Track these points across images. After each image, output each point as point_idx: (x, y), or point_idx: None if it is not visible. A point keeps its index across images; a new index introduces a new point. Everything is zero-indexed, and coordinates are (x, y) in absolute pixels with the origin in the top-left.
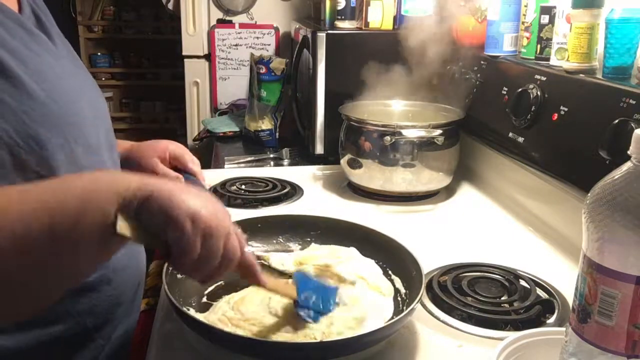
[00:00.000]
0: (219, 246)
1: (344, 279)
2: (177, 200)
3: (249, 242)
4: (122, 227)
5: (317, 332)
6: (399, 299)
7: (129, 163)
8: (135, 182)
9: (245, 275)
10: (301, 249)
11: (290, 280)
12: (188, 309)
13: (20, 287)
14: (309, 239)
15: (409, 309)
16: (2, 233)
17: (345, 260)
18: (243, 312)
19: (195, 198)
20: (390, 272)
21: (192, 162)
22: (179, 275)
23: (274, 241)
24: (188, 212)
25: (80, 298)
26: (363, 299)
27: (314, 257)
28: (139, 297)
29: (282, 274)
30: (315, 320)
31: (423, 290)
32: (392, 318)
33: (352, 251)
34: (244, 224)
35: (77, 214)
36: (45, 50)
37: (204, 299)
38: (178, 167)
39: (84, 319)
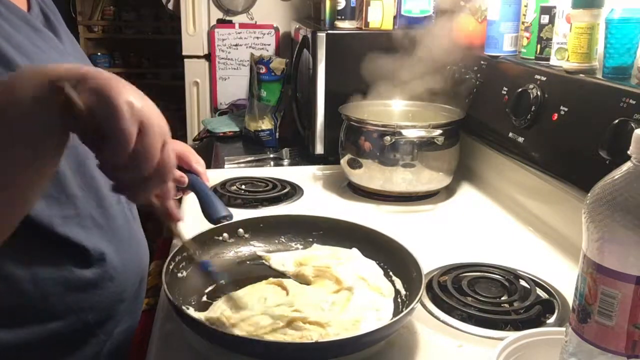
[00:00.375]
0: (157, 145)
1: (341, 283)
2: (117, 85)
3: (251, 242)
4: (69, 88)
5: (314, 333)
6: (399, 300)
7: None
8: (68, 65)
9: (163, 205)
10: (303, 249)
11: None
12: (187, 308)
13: None
14: (310, 239)
15: (408, 309)
16: None
17: (346, 261)
18: (241, 312)
19: (136, 91)
20: (390, 273)
21: (197, 163)
22: (179, 274)
23: (276, 241)
24: (127, 98)
25: (82, 294)
26: (361, 300)
27: (315, 257)
28: (141, 294)
29: (282, 274)
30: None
31: (422, 291)
32: (391, 319)
33: (354, 252)
34: (246, 224)
35: (6, 101)
36: (51, 47)
37: (204, 298)
38: (183, 167)
39: (85, 314)
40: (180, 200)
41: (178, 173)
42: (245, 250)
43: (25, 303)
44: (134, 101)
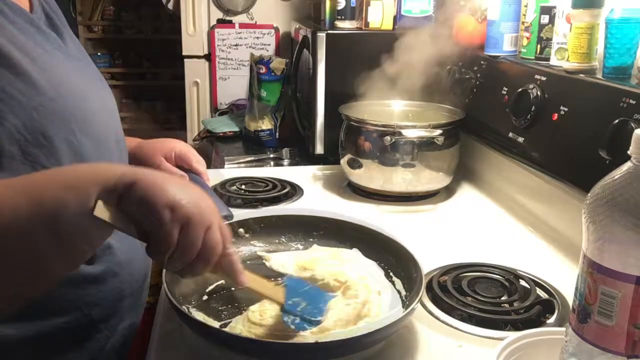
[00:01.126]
0: (198, 236)
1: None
2: (159, 189)
3: (252, 242)
4: (100, 211)
5: (310, 333)
6: (400, 300)
7: (136, 159)
8: (120, 170)
9: (226, 273)
10: (303, 249)
11: (281, 282)
12: (188, 308)
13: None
14: (311, 239)
15: (408, 309)
16: None
17: (347, 262)
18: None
19: (179, 188)
20: (391, 273)
21: (198, 162)
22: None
23: (276, 241)
24: (168, 200)
25: (85, 290)
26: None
27: (316, 259)
28: (145, 291)
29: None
30: (300, 328)
31: (422, 291)
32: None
33: (355, 253)
34: (246, 223)
35: (57, 200)
36: (55, 48)
37: (204, 297)
38: (184, 166)
39: (89, 310)
40: None
41: (178, 172)
42: (245, 250)
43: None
44: (175, 201)
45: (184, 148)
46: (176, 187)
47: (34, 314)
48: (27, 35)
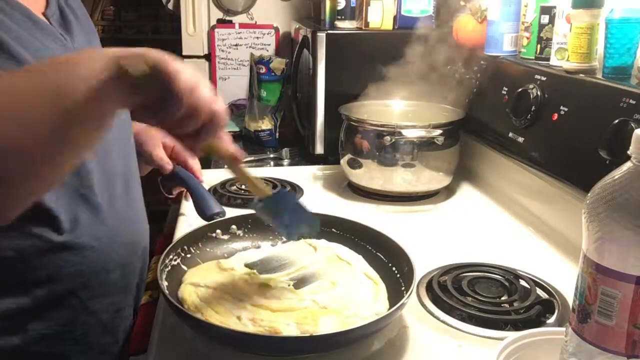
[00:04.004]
0: (208, 99)
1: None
2: (169, 58)
3: (245, 239)
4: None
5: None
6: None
7: (137, 141)
8: (125, 50)
9: (222, 150)
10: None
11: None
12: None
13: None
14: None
15: (399, 303)
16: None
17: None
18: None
19: (185, 65)
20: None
21: (192, 160)
22: (173, 263)
23: (270, 237)
24: (179, 67)
25: (59, 259)
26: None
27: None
28: (136, 271)
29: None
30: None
31: (414, 286)
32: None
33: (340, 247)
34: (239, 221)
35: (76, 75)
36: (51, 40)
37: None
38: (178, 160)
39: (70, 282)
40: (181, 195)
41: (166, 160)
42: (238, 247)
43: (9, 270)
44: (184, 69)
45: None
46: (180, 63)
47: (15, 286)
48: (24, 27)
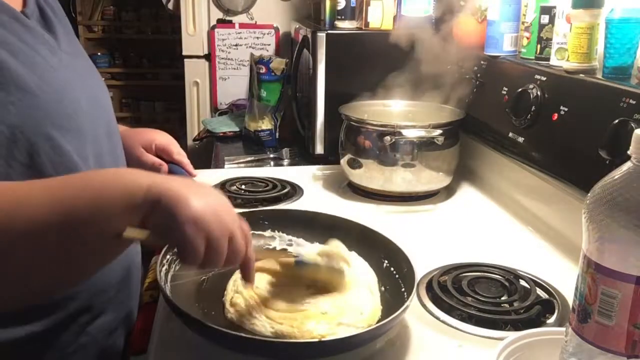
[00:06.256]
0: (223, 246)
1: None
2: (183, 203)
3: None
4: (129, 232)
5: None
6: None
7: None
8: (145, 183)
9: (242, 270)
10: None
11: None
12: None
13: (25, 273)
14: (297, 236)
15: (402, 307)
16: (19, 222)
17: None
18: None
19: (201, 198)
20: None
21: (179, 154)
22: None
23: (266, 235)
24: (191, 214)
25: None
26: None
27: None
28: (129, 287)
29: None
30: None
31: (415, 290)
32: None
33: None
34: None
35: (88, 216)
36: (40, 43)
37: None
38: (164, 157)
39: (66, 304)
40: None
41: (158, 162)
42: None
43: None
44: (198, 216)
45: (164, 140)
46: (198, 197)
47: (19, 315)
48: (10, 30)
